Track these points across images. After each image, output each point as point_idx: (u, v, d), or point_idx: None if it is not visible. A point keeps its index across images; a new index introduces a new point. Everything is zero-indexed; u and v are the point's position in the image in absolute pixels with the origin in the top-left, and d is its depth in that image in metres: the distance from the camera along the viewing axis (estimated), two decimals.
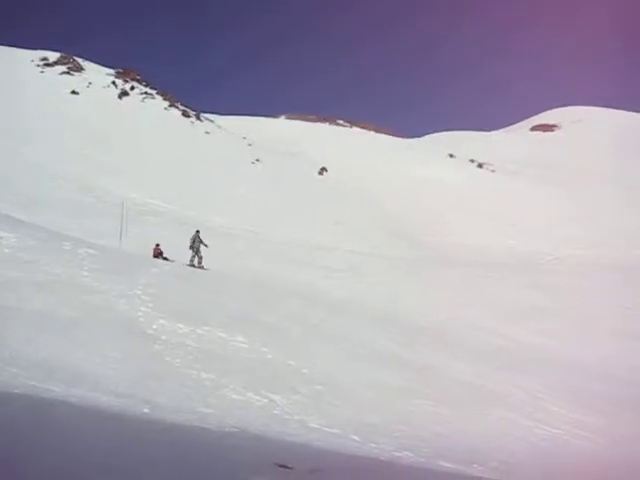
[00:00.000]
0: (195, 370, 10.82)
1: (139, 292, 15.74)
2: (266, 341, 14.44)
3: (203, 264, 25.75)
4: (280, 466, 5.47)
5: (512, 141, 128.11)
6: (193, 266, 25.32)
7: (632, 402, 17.21)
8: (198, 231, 26.73)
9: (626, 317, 28.78)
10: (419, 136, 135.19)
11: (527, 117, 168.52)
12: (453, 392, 14.75)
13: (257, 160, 72.21)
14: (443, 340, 20.33)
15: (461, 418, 12.62)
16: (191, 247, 25.88)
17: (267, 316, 17.60)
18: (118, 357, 10.38)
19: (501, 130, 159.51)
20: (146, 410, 7.70)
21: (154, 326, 13.13)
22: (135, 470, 4.80)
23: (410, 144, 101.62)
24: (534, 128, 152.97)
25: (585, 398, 16.75)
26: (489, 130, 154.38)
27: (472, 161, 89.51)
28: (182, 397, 9.15)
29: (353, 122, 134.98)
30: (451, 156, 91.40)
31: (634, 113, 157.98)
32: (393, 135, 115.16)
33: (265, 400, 10.29)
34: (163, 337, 12.50)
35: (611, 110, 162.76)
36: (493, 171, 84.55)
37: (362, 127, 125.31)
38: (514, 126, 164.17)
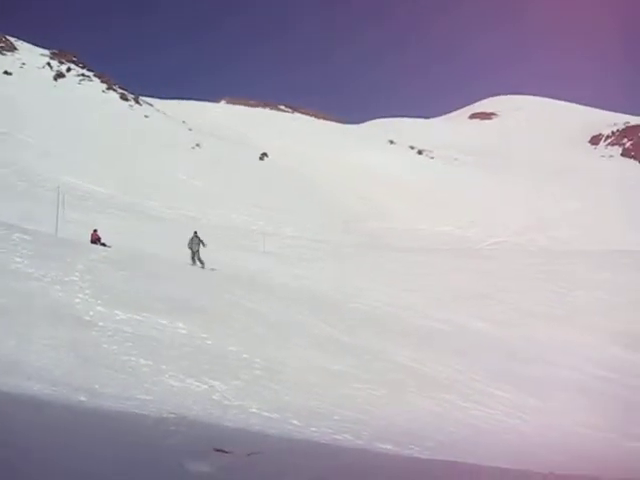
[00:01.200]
0: (133, 357, 10.69)
1: (76, 278, 15.43)
2: (206, 327, 14.36)
3: (204, 263, 25.32)
4: (217, 450, 5.46)
5: (452, 128, 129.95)
6: (199, 265, 25.22)
7: (564, 384, 17.75)
8: (196, 232, 26.26)
9: (554, 301, 29.59)
10: (360, 122, 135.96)
11: (466, 105, 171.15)
12: (392, 376, 14.95)
13: (197, 145, 71.44)
14: (382, 325, 20.55)
15: (399, 401, 12.81)
16: (190, 247, 25.51)
17: (208, 302, 17.50)
18: (53, 344, 10.17)
19: (441, 117, 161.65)
20: (83, 398, 7.58)
21: (91, 313, 12.90)
22: (70, 458, 4.72)
23: (351, 130, 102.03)
24: (473, 116, 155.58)
25: (520, 380, 17.17)
26: (429, 117, 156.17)
27: (412, 147, 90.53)
28: (119, 384, 9.03)
29: (295, 107, 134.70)
30: (391, 142, 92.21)
31: (572, 104, 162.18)
32: (334, 121, 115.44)
33: (205, 386, 10.24)
34: (100, 324, 12.29)
35: (550, 100, 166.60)
36: (432, 158, 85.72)
37: (304, 113, 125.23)
38: (454, 114, 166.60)
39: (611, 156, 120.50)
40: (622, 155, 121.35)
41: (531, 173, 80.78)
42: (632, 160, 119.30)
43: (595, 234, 56.29)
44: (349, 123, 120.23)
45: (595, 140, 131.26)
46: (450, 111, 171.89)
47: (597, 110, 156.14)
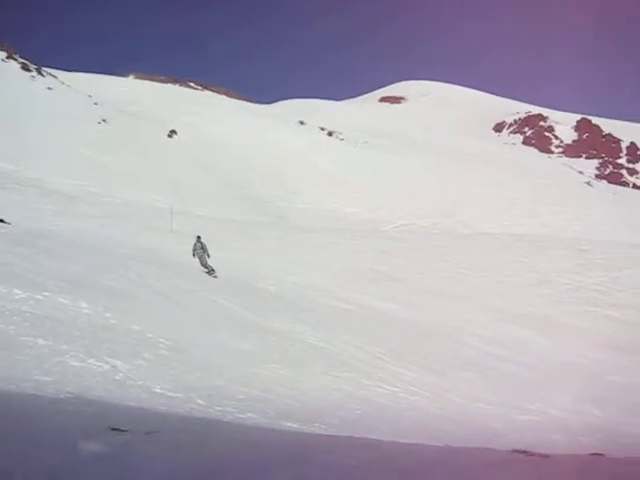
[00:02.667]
0: (32, 337, 10.35)
1: None
2: (109, 306, 14.06)
3: (213, 271, 23.71)
4: (113, 429, 5.38)
5: (362, 111, 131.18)
6: (207, 273, 23.56)
7: (462, 361, 18.41)
8: (199, 237, 24.72)
9: (455, 281, 30.56)
10: (271, 102, 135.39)
11: (376, 89, 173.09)
12: (298, 355, 15.10)
13: (103, 120, 69.30)
14: (290, 304, 20.68)
15: (305, 380, 12.96)
16: (194, 255, 24.15)
17: (111, 280, 17.11)
18: None
19: (351, 100, 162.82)
20: None
21: None
22: None
23: (262, 110, 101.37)
24: (383, 99, 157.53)
25: (422, 358, 17.69)
26: (340, 100, 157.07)
27: (322, 129, 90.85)
28: (16, 365, 8.73)
29: (205, 85, 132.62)
30: (302, 123, 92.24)
31: (478, 91, 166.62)
32: (245, 100, 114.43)
33: (107, 366, 10.04)
34: None
35: (457, 87, 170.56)
36: (342, 140, 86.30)
37: (214, 91, 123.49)
38: (364, 97, 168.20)
39: (513, 143, 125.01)
40: (523, 143, 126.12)
41: (438, 158, 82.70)
42: (532, 148, 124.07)
43: (498, 218, 58.31)
44: (260, 103, 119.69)
45: (499, 127, 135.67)
46: (360, 94, 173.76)
47: (501, 98, 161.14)
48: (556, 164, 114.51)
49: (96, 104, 75.76)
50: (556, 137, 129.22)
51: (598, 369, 21.34)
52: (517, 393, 15.69)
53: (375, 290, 27.07)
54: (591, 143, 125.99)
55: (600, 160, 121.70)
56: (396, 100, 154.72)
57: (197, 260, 24.01)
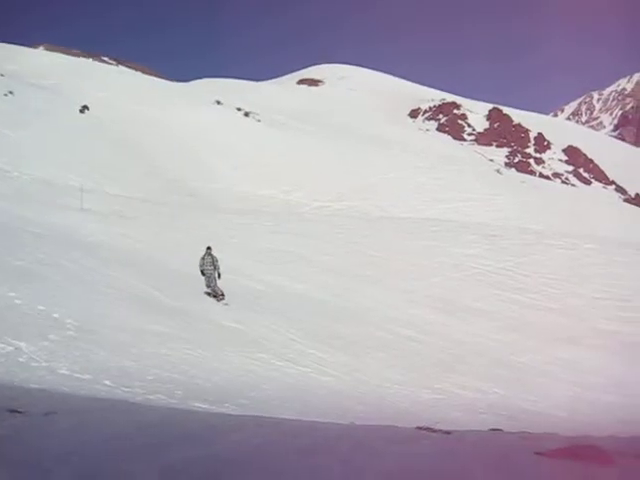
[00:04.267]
0: None
1: None
2: (15, 286, 13.60)
3: (223, 296, 19.88)
4: (10, 411, 5.24)
5: (279, 93, 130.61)
6: (214, 296, 19.92)
7: (374, 342, 18.77)
8: (209, 248, 20.62)
9: (370, 264, 31.01)
10: (188, 80, 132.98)
11: (295, 71, 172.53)
12: (210, 336, 15.05)
13: (10, 92, 66.32)
14: (202, 285, 20.51)
15: (215, 360, 12.94)
16: (202, 270, 20.18)
17: (19, 260, 16.53)
18: None
19: (269, 81, 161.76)
20: None
21: None
22: None
23: (178, 88, 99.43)
24: (301, 82, 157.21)
25: (334, 339, 17.94)
26: (258, 81, 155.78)
27: (239, 109, 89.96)
28: None
29: (120, 60, 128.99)
30: (218, 103, 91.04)
31: (394, 77, 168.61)
32: (161, 77, 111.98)
33: (10, 348, 9.75)
34: None
35: (374, 72, 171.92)
36: (259, 121, 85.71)
37: (129, 66, 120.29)
38: (282, 78, 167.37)
39: (427, 130, 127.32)
40: (437, 130, 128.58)
41: (354, 141, 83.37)
42: (446, 135, 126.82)
43: (411, 203, 59.42)
44: (176, 81, 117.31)
45: (414, 114, 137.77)
46: (278, 76, 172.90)
47: (417, 85, 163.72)
48: (468, 151, 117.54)
49: (2, 75, 72.50)
50: (469, 125, 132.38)
51: (502, 350, 22.19)
52: (425, 373, 16.15)
53: (289, 272, 27.17)
54: (501, 132, 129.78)
55: (510, 149, 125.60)
56: (314, 83, 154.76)
57: (215, 284, 19.92)
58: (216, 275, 20.08)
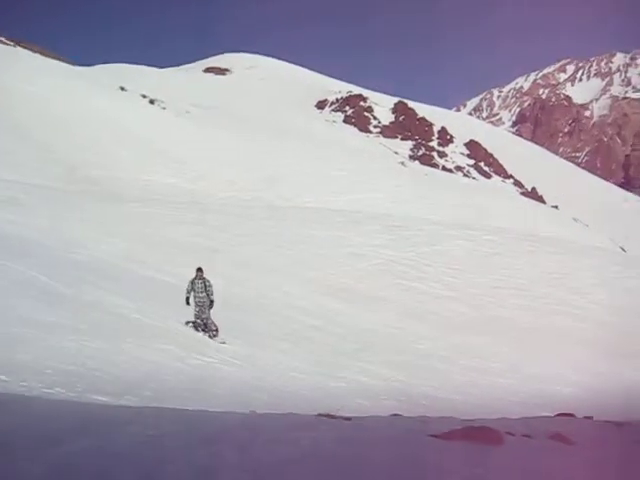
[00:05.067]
0: None
1: None
2: None
3: (217, 332, 16.50)
4: None
5: (185, 81, 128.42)
6: (203, 330, 16.57)
7: (281, 332, 18.82)
8: (200, 270, 17.17)
9: (276, 254, 31.10)
10: (90, 65, 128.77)
11: (201, 59, 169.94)
12: (111, 327, 14.64)
13: None
14: (104, 276, 19.96)
15: (117, 352, 12.61)
16: (188, 300, 16.85)
17: None
18: None
19: (175, 69, 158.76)
20: None
21: None
22: None
23: (80, 72, 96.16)
24: (208, 70, 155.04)
25: (239, 330, 17.86)
26: (163, 68, 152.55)
27: (144, 96, 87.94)
28: None
29: (18, 41, 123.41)
30: (122, 89, 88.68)
31: (302, 68, 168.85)
32: (62, 60, 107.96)
33: None
34: None
35: (281, 62, 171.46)
36: (164, 109, 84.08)
37: (28, 48, 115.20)
38: (188, 66, 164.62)
39: (334, 121, 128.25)
40: (344, 121, 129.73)
41: (260, 131, 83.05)
42: (352, 127, 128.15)
43: (316, 193, 59.71)
44: (79, 65, 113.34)
45: (321, 105, 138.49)
46: (184, 63, 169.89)
47: (325, 77, 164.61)
48: (374, 143, 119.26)
49: None
50: (375, 117, 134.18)
51: (404, 338, 22.73)
52: (329, 362, 16.32)
53: (193, 262, 26.75)
54: (406, 125, 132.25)
55: (414, 142, 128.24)
56: (221, 71, 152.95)
57: (207, 316, 16.58)
58: (207, 304, 16.64)
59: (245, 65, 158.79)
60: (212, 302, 16.66)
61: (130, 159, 58.54)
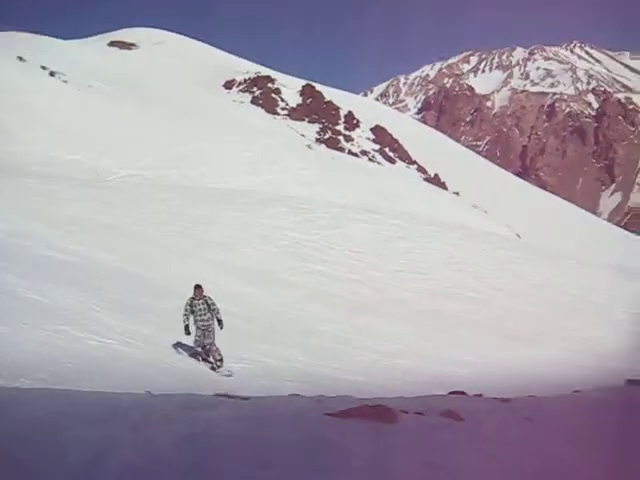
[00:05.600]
0: None
1: None
2: None
3: (221, 361, 14.41)
4: None
5: (89, 54, 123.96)
6: (204, 359, 14.73)
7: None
8: (199, 287, 14.90)
9: (183, 236, 30.69)
10: None
11: (106, 32, 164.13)
12: (5, 308, 14.13)
13: None
14: (0, 254, 19.17)
15: (13, 334, 12.21)
16: (187, 329, 14.55)
17: None
18: None
19: (77, 41, 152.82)
20: None
21: None
22: None
23: None
24: (112, 44, 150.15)
25: (141, 311, 17.59)
26: (65, 39, 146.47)
27: (44, 68, 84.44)
28: None
29: None
30: (21, 59, 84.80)
31: (210, 46, 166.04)
32: None
33: None
34: None
35: (189, 39, 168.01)
36: (66, 82, 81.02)
37: None
38: (92, 39, 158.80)
39: (242, 102, 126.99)
40: (252, 102, 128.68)
41: (167, 109, 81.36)
42: (260, 108, 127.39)
43: (223, 174, 59.10)
44: None
45: (229, 85, 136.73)
46: (87, 36, 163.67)
47: (233, 56, 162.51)
48: (281, 125, 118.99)
49: None
50: (282, 99, 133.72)
51: (307, 320, 22.99)
52: (234, 344, 16.32)
53: (95, 241, 26.13)
54: (313, 108, 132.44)
55: (321, 125, 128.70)
56: (127, 46, 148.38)
57: (211, 346, 14.51)
58: (215, 326, 14.58)
59: (152, 41, 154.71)
60: (221, 322, 14.56)
61: (28, 133, 56.14)
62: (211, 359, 14.51)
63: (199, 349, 14.63)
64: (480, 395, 10.31)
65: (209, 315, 14.56)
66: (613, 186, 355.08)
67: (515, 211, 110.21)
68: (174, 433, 4.32)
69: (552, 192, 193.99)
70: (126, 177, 50.91)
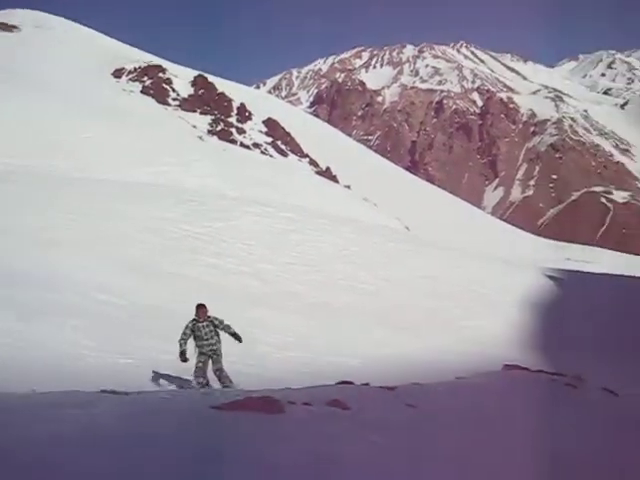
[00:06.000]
0: None
1: None
2: None
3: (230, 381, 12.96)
4: None
5: None
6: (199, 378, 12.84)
7: (68, 308, 18.01)
8: (202, 306, 13.35)
9: (67, 228, 29.59)
10: None
11: None
12: None
13: None
14: None
15: None
16: (183, 354, 12.96)
17: None
18: None
19: None
20: None
21: None
22: None
23: None
24: None
25: (23, 307, 16.86)
26: None
27: None
28: None
29: None
30: None
31: (100, 33, 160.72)
32: None
33: None
34: None
35: (78, 25, 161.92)
36: None
37: None
38: None
39: (132, 91, 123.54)
40: (142, 92, 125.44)
41: (52, 96, 78.04)
42: (150, 98, 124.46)
43: (111, 165, 57.39)
44: None
45: (118, 74, 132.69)
46: None
47: (123, 44, 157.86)
48: (172, 116, 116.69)
49: None
50: (174, 90, 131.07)
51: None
52: (118, 338, 15.97)
53: None
54: (206, 99, 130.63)
55: (213, 117, 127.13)
56: (8, 28, 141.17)
57: (218, 367, 13.09)
58: (222, 350, 13.11)
59: (35, 24, 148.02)
60: (236, 334, 13.17)
61: None
62: (223, 385, 12.70)
63: (200, 380, 12.73)
64: (367, 384, 10.56)
65: (216, 339, 13.04)
66: (496, 181, 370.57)
67: (405, 204, 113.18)
68: (57, 432, 4.19)
69: (440, 186, 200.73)
70: (3, 165, 48.46)
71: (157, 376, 13.33)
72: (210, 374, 13.12)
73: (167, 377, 13.30)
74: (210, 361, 13.11)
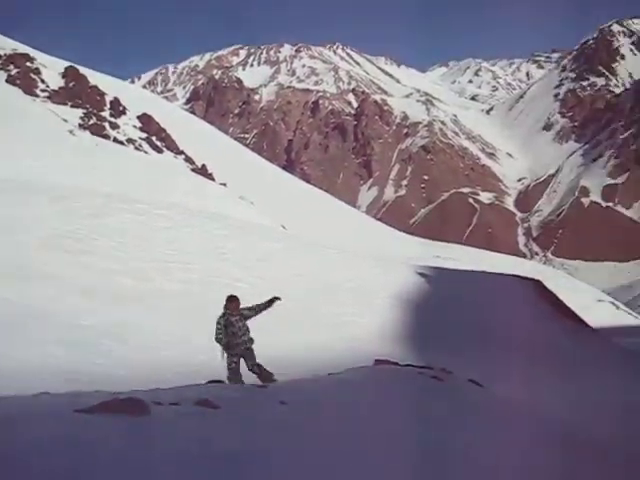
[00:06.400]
0: None
1: None
2: None
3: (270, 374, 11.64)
4: None
5: None
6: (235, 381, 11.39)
7: None
8: (233, 299, 12.00)
9: None
10: None
11: None
12: None
13: None
14: None
15: None
16: (224, 345, 11.72)
17: None
18: None
19: None
20: None
21: None
22: None
23: None
24: None
25: None
26: None
27: None
28: None
29: None
30: None
31: None
32: None
33: None
34: None
35: None
36: None
37: None
38: None
39: None
40: (7, 82, 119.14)
41: None
42: (17, 88, 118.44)
43: None
44: None
45: None
46: None
47: None
48: (41, 108, 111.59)
49: None
50: (42, 81, 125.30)
51: (69, 314, 21.96)
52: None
53: None
54: (77, 92, 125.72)
55: (85, 110, 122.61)
56: None
57: (252, 362, 11.94)
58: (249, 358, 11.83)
59: None
60: (268, 302, 12.13)
61: None
62: (265, 378, 11.72)
63: (231, 377, 11.67)
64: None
65: (249, 333, 11.88)
66: (370, 181, 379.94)
67: (281, 203, 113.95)
68: None
69: (315, 185, 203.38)
70: None
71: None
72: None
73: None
74: (242, 359, 12.02)
